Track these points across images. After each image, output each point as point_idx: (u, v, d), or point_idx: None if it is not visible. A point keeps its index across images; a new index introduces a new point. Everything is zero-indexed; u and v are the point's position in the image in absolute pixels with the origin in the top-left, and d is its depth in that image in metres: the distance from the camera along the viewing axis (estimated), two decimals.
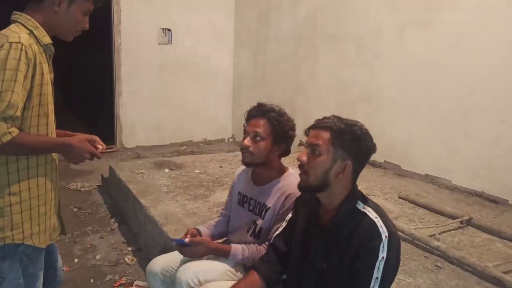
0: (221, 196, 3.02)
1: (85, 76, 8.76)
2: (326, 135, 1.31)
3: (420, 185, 3.41)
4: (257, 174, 1.79)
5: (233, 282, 1.53)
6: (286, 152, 1.76)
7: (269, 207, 1.71)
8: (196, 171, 3.72)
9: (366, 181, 3.45)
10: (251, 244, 1.72)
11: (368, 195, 3.13)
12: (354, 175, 1.34)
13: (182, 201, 2.96)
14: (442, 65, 3.31)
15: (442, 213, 2.78)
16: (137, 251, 2.90)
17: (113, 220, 3.39)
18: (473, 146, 3.13)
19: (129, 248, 2.94)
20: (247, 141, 1.67)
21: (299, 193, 1.62)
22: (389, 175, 3.68)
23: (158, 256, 1.89)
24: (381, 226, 1.24)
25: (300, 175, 1.36)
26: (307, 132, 1.38)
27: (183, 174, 3.64)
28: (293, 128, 1.74)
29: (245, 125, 1.73)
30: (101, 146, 1.48)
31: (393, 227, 1.27)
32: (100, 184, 4.20)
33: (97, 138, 1.48)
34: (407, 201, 3.02)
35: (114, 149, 1.46)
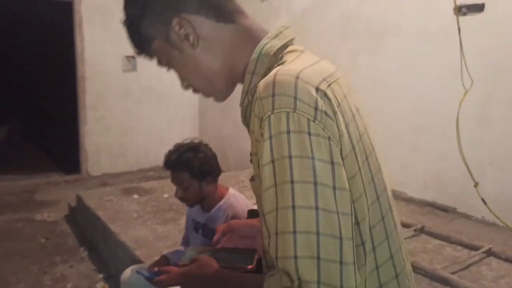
0: None
1: (49, 105, 8.65)
2: None
3: None
4: (202, 203, 1.90)
5: None
6: (217, 176, 1.84)
7: None
8: (165, 196, 3.78)
9: None
10: None
11: None
12: None
13: (152, 225, 3.03)
14: (390, 87, 3.60)
15: None
16: (108, 278, 2.92)
17: (82, 249, 3.39)
18: (422, 161, 3.41)
19: (100, 275, 2.95)
20: (179, 194, 1.78)
21: (239, 215, 1.75)
22: None
23: (132, 266, 1.97)
24: None
25: None
26: None
27: (152, 199, 3.70)
28: (206, 159, 1.77)
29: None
30: None
31: None
32: (67, 213, 4.17)
33: None
34: None
35: None
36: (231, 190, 1.90)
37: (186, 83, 0.89)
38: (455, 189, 3.21)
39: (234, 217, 1.77)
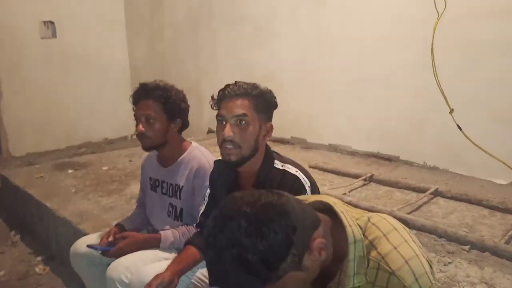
0: (137, 188, 2.83)
1: None
2: (246, 103, 1.28)
3: (326, 154, 3.69)
4: (162, 156, 1.76)
5: (168, 262, 1.49)
6: (185, 126, 1.73)
7: (182, 186, 1.69)
8: (105, 168, 3.50)
9: None
10: (180, 226, 1.70)
11: None
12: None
13: (95, 198, 2.77)
14: (333, 40, 3.58)
15: (348, 175, 3.04)
16: (48, 260, 2.65)
17: (13, 232, 3.04)
18: (367, 112, 3.47)
19: (39, 258, 2.67)
20: (141, 127, 1.63)
21: (206, 166, 1.63)
22: (297, 149, 3.90)
23: (83, 237, 1.77)
24: (303, 178, 1.32)
25: (229, 150, 1.28)
26: (217, 105, 1.33)
27: (90, 172, 3.40)
28: (184, 99, 1.71)
29: (134, 109, 1.67)
30: None
31: (311, 177, 1.36)
32: None
33: None
34: (316, 169, 3.24)
35: None
36: (194, 143, 1.76)
37: None
38: (397, 138, 3.32)
39: (199, 169, 1.64)
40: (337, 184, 2.90)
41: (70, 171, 3.45)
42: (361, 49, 3.40)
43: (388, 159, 3.40)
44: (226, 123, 1.29)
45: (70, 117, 5.52)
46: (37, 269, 2.55)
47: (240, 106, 1.28)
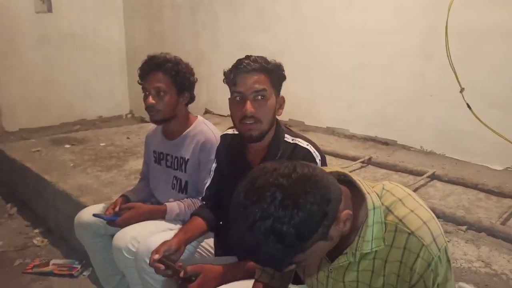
0: (136, 164, 2.89)
1: None
2: (262, 77, 1.28)
3: (323, 137, 3.70)
4: (168, 129, 1.75)
5: (174, 233, 1.50)
6: (192, 99, 1.73)
7: (188, 159, 1.69)
8: (102, 144, 3.48)
9: None
10: (185, 199, 1.71)
11: None
12: None
13: (94, 173, 2.77)
14: (335, 25, 3.56)
15: (346, 157, 3.06)
16: (46, 232, 2.65)
17: (9, 205, 3.03)
18: (366, 98, 3.48)
19: (36, 230, 2.67)
20: (151, 99, 1.61)
21: (212, 140, 1.64)
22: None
23: (88, 207, 1.77)
24: (314, 152, 1.34)
25: (250, 126, 1.29)
26: (232, 81, 1.31)
27: (87, 148, 3.38)
28: (192, 73, 1.71)
29: (141, 82, 1.65)
30: None
31: (321, 151, 1.38)
32: None
33: None
34: None
35: None
36: (200, 118, 1.76)
37: None
38: (395, 123, 3.35)
39: (205, 142, 1.64)
40: (335, 165, 2.92)
41: (67, 146, 3.43)
42: (362, 35, 3.38)
43: (386, 143, 3.42)
44: (245, 99, 1.28)
45: (65, 95, 5.47)
46: (35, 241, 2.55)
47: (258, 81, 1.28)
